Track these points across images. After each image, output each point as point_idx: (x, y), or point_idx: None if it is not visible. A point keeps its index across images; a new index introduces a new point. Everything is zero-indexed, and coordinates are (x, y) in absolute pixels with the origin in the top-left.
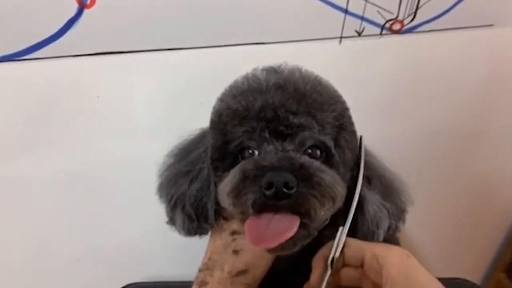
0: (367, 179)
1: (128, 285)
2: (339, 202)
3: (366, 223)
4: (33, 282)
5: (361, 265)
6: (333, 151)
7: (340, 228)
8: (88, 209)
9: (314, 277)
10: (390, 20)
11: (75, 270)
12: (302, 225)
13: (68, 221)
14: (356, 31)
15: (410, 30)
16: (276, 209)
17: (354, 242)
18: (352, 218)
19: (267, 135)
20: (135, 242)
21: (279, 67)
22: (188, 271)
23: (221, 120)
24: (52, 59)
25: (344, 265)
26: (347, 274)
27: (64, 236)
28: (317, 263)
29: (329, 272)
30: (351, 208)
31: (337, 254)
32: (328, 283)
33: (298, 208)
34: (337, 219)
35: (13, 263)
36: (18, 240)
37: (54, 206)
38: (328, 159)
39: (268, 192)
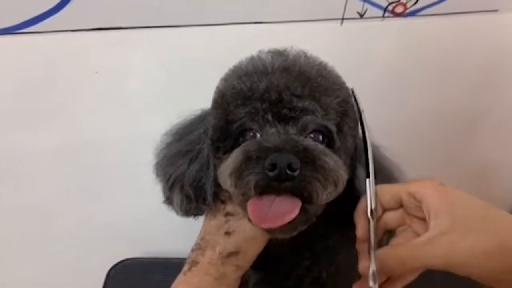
0: (365, 166)
1: (125, 260)
2: (341, 187)
3: None
4: (29, 255)
5: (400, 206)
6: (335, 136)
7: (367, 180)
8: (85, 183)
9: (359, 231)
10: (393, 2)
11: (71, 245)
12: (302, 210)
13: (64, 195)
14: (358, 12)
15: (413, 14)
16: (278, 191)
17: (386, 188)
18: (348, 202)
19: (270, 117)
20: (132, 217)
21: (284, 50)
22: (185, 247)
23: (224, 100)
24: (50, 33)
25: (384, 210)
26: (390, 217)
27: (60, 211)
28: (358, 218)
29: (372, 223)
30: (368, 158)
31: (373, 205)
32: (372, 233)
33: (300, 191)
34: (334, 208)
35: (10, 238)
36: (15, 214)
37: (51, 180)
38: (330, 145)
39: (271, 174)
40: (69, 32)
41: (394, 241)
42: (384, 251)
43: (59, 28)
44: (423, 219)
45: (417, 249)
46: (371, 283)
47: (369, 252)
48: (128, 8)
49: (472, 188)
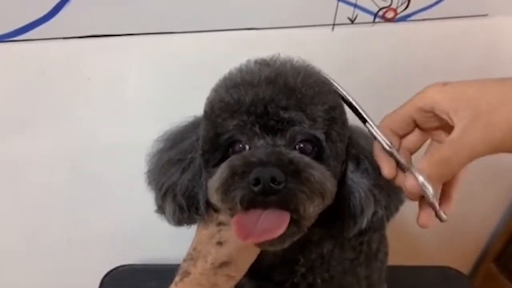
0: (356, 160)
1: (120, 266)
2: (329, 199)
3: (349, 208)
4: (24, 262)
5: (415, 126)
6: (324, 145)
7: (367, 124)
8: (78, 191)
9: (386, 168)
10: (384, 8)
11: (66, 251)
12: (292, 222)
13: (58, 203)
14: (349, 18)
15: (404, 19)
16: (264, 205)
17: (394, 115)
18: (338, 201)
19: (257, 129)
20: (127, 224)
21: (271, 59)
22: (180, 254)
23: (213, 112)
24: (43, 40)
25: (401, 137)
26: (410, 141)
27: (55, 218)
28: (380, 158)
29: (395, 150)
30: (356, 108)
31: (386, 139)
32: (400, 161)
33: (286, 204)
34: (328, 217)
35: (4, 244)
36: (9, 222)
37: (44, 188)
38: (319, 154)
39: (255, 188)
40: (61, 40)
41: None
42: (424, 159)
43: (51, 36)
44: (441, 127)
45: (456, 144)
46: (427, 191)
47: (408, 170)
48: (121, 15)
49: (465, 190)
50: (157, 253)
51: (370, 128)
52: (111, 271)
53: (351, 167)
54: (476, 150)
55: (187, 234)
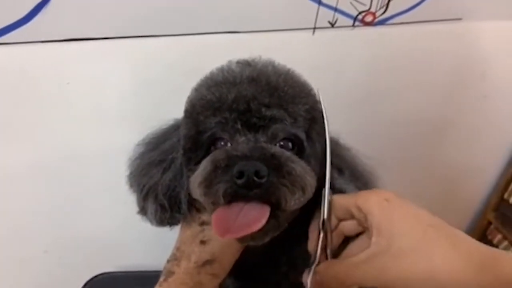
0: (338, 170)
1: (100, 274)
2: (309, 193)
3: None
4: (3, 271)
5: (353, 217)
6: (305, 143)
7: (323, 191)
8: (57, 197)
9: (310, 243)
10: (363, 11)
11: (43, 261)
12: (272, 216)
13: (37, 210)
14: (329, 22)
15: (382, 22)
16: (247, 199)
17: (339, 199)
18: (317, 199)
19: (239, 126)
20: (106, 231)
21: (253, 60)
22: (160, 260)
23: (194, 110)
24: (19, 44)
25: (340, 220)
26: (348, 227)
27: (31, 226)
28: (312, 229)
29: (321, 235)
30: (326, 168)
31: (325, 216)
32: (328, 243)
33: (269, 197)
34: (308, 214)
35: None
36: None
37: (21, 196)
38: (299, 152)
39: (239, 181)
40: (39, 43)
41: (349, 247)
42: (322, 267)
43: (28, 39)
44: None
45: (352, 268)
46: None
47: (311, 263)
48: (100, 19)
49: (440, 189)
50: (137, 260)
51: (323, 196)
52: (91, 279)
53: (335, 174)
54: (365, 284)
55: (167, 240)
